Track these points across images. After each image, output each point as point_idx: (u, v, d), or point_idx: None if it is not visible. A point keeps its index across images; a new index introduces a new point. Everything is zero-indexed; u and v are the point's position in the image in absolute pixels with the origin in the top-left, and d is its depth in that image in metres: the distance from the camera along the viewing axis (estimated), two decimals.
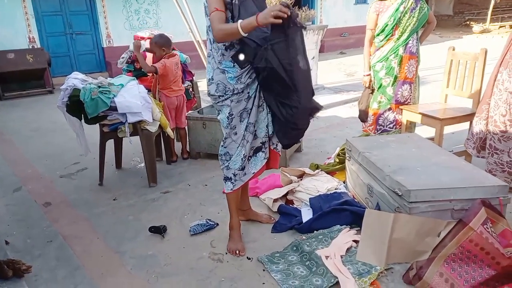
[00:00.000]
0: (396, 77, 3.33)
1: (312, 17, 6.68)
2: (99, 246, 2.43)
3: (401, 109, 3.37)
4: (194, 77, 4.24)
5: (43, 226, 2.69)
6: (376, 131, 3.51)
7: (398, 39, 3.26)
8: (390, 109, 3.44)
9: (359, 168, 2.62)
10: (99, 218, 2.77)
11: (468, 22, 15.79)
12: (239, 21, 1.88)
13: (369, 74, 3.47)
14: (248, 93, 2.11)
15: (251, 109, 2.14)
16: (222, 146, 2.22)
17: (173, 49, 3.69)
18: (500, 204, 2.01)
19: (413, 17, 3.20)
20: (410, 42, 3.28)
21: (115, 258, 2.30)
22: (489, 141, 2.82)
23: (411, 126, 3.49)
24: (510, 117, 2.67)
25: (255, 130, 2.21)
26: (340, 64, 9.55)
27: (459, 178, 2.12)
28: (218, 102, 2.14)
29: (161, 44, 3.46)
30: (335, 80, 7.40)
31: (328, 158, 3.44)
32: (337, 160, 3.19)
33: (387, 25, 3.24)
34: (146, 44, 3.73)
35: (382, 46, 3.33)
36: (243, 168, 2.20)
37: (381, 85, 3.40)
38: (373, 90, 3.52)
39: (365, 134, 3.58)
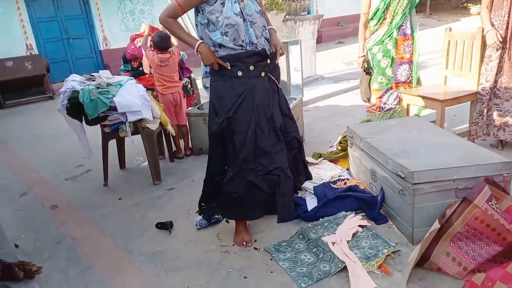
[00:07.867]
0: (393, 59, 3.44)
1: (307, 7, 6.65)
2: (107, 246, 2.45)
3: (403, 88, 3.45)
4: (192, 74, 4.24)
5: (51, 229, 2.72)
6: (380, 109, 3.57)
7: (391, 22, 3.35)
8: (391, 88, 3.53)
9: (361, 154, 2.62)
10: (106, 218, 2.79)
11: (465, 4, 15.63)
12: (200, 42, 2.04)
13: (363, 56, 3.57)
14: None
15: None
16: None
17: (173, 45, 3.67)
18: (504, 181, 2.00)
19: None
20: (404, 24, 3.36)
21: (124, 256, 2.32)
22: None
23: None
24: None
25: None
26: (339, 53, 9.50)
27: (461, 157, 2.11)
28: None
29: (154, 42, 3.53)
30: (335, 70, 7.36)
31: (331, 147, 3.44)
32: (340, 148, 3.19)
33: (378, 9, 3.33)
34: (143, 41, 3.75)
35: (376, 30, 3.43)
36: None
37: (380, 66, 3.48)
38: (367, 72, 3.62)
39: (367, 120, 3.58)
